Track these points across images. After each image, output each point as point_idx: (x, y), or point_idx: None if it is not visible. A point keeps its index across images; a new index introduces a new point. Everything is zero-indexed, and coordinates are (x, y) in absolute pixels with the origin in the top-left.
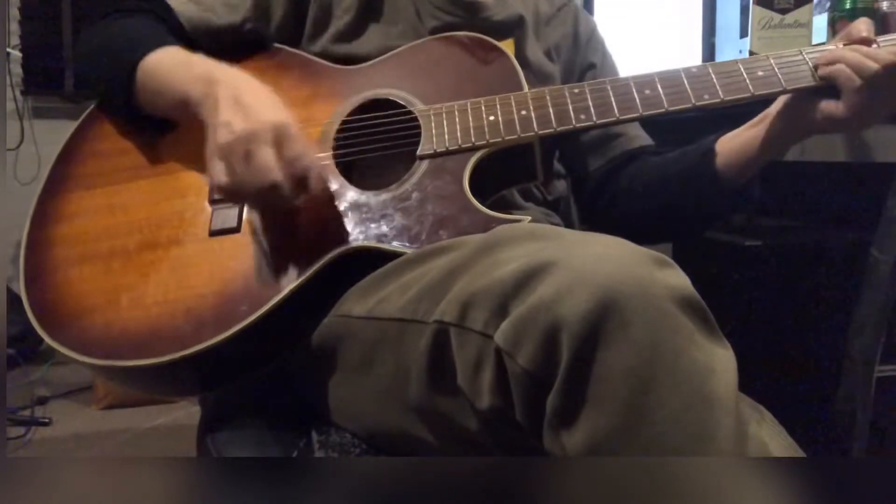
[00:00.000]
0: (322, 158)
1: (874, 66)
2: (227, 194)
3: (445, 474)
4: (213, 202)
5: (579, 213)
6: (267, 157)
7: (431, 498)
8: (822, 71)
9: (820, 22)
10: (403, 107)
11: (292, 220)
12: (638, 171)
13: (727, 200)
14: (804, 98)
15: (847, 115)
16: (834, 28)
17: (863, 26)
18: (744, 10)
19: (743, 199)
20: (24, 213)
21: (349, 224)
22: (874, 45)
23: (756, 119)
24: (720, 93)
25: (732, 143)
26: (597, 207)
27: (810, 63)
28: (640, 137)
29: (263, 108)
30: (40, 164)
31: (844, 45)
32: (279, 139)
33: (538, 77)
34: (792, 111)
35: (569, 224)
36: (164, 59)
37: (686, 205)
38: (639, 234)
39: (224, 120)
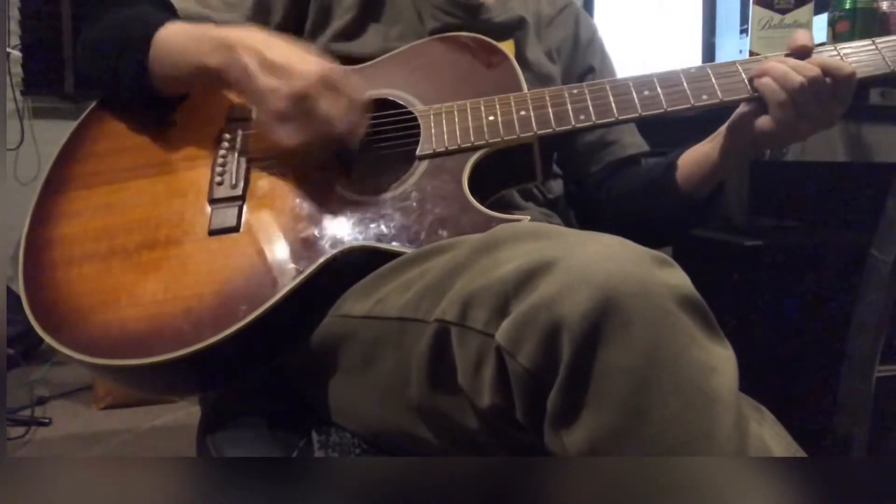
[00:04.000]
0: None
1: (798, 78)
2: (302, 152)
3: (445, 474)
4: (212, 201)
5: (574, 214)
6: (329, 107)
7: (431, 498)
8: (755, 83)
9: (820, 22)
10: (403, 107)
11: (292, 220)
12: (624, 179)
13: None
14: (747, 113)
15: (774, 128)
16: (834, 28)
17: (801, 36)
18: (744, 10)
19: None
20: (24, 213)
21: (348, 224)
22: (835, 55)
23: (713, 134)
24: (719, 93)
25: (691, 157)
26: (588, 211)
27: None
28: (633, 145)
29: (298, 62)
30: (40, 164)
31: (786, 55)
32: (330, 85)
33: (538, 78)
34: (736, 126)
35: (569, 224)
36: (176, 30)
37: (654, 215)
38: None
39: (266, 86)
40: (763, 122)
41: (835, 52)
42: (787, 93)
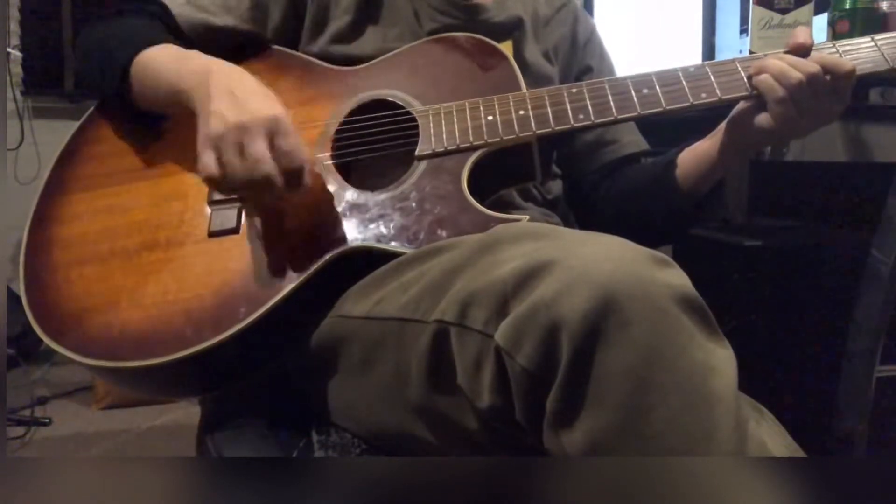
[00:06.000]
0: (321, 158)
1: (796, 75)
2: (216, 186)
3: (445, 474)
4: (211, 203)
5: (573, 214)
6: (259, 149)
7: (431, 498)
8: (753, 80)
9: (820, 22)
10: (402, 107)
11: (291, 221)
12: (623, 178)
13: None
14: (746, 110)
15: (774, 125)
16: (834, 28)
17: (800, 34)
18: (744, 10)
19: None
20: (24, 213)
21: (348, 224)
22: (834, 52)
23: (713, 132)
24: (718, 92)
25: (690, 155)
26: (588, 211)
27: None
28: (632, 144)
29: (257, 100)
30: (40, 164)
31: (785, 53)
32: (273, 132)
33: (537, 78)
34: (735, 123)
35: (568, 224)
36: (159, 54)
37: (654, 213)
38: (626, 238)
39: (216, 109)
40: (762, 119)
41: (834, 50)
42: (785, 89)
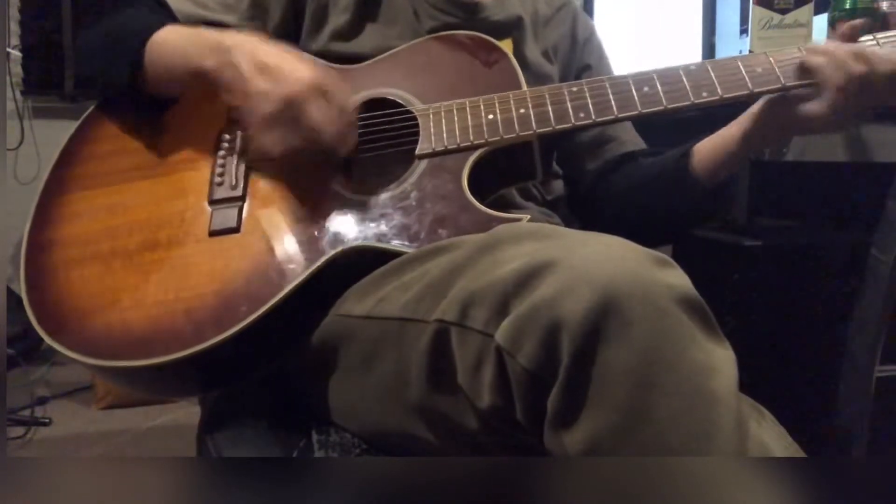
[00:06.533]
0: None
1: (859, 65)
2: (286, 159)
3: (445, 474)
4: (212, 202)
5: (573, 214)
6: (318, 114)
7: (431, 498)
8: (809, 60)
9: (820, 22)
10: (402, 106)
11: (292, 220)
12: (625, 175)
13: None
14: (786, 96)
15: (825, 112)
16: (834, 28)
17: (859, 25)
18: (744, 10)
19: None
20: (24, 213)
21: (348, 223)
22: (872, 42)
23: (737, 118)
24: (719, 90)
25: (710, 143)
26: (588, 210)
27: None
28: (630, 142)
29: (291, 67)
30: (40, 164)
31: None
32: (321, 92)
33: (536, 77)
34: (773, 109)
35: (568, 224)
36: (171, 34)
37: (663, 206)
38: (627, 237)
39: (258, 89)
40: (811, 106)
41: (874, 42)
42: (846, 78)
